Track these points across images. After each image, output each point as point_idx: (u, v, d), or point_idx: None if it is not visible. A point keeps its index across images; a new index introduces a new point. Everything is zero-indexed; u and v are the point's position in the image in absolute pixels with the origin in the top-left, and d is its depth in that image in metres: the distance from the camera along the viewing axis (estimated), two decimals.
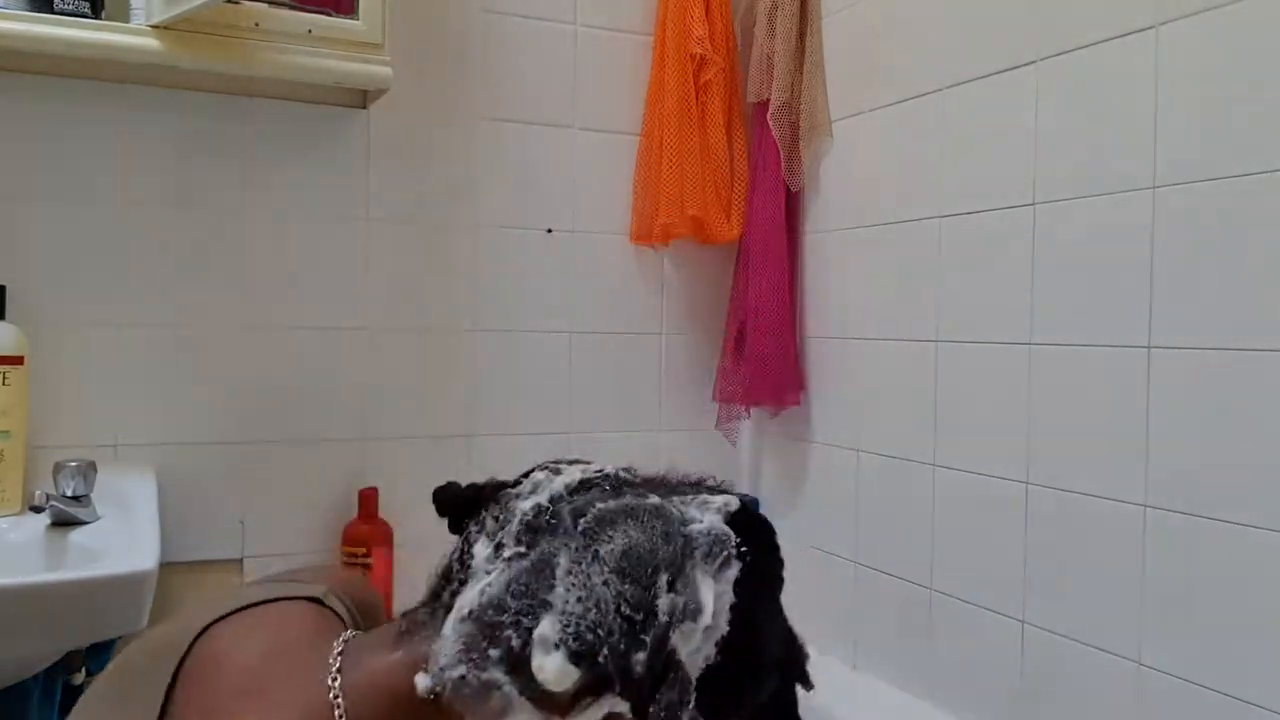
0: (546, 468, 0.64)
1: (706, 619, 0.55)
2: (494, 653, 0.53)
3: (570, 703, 0.53)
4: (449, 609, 0.57)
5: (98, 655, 1.21)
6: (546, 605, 0.53)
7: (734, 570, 0.58)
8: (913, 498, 1.41)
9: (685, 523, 0.58)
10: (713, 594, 0.56)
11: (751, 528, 0.62)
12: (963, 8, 1.35)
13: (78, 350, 1.36)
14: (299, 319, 1.48)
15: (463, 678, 0.54)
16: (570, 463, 0.64)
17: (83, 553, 1.07)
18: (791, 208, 1.66)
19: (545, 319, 1.64)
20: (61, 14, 1.23)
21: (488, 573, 0.57)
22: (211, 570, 1.42)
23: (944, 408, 1.38)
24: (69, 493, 1.13)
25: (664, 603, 0.54)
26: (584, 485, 0.61)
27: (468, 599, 0.56)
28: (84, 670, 1.17)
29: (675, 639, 0.54)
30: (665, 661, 0.53)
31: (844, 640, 1.56)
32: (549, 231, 1.65)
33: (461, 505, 0.64)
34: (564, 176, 1.66)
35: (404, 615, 0.61)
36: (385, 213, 1.54)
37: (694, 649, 0.55)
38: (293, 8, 1.34)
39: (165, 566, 1.11)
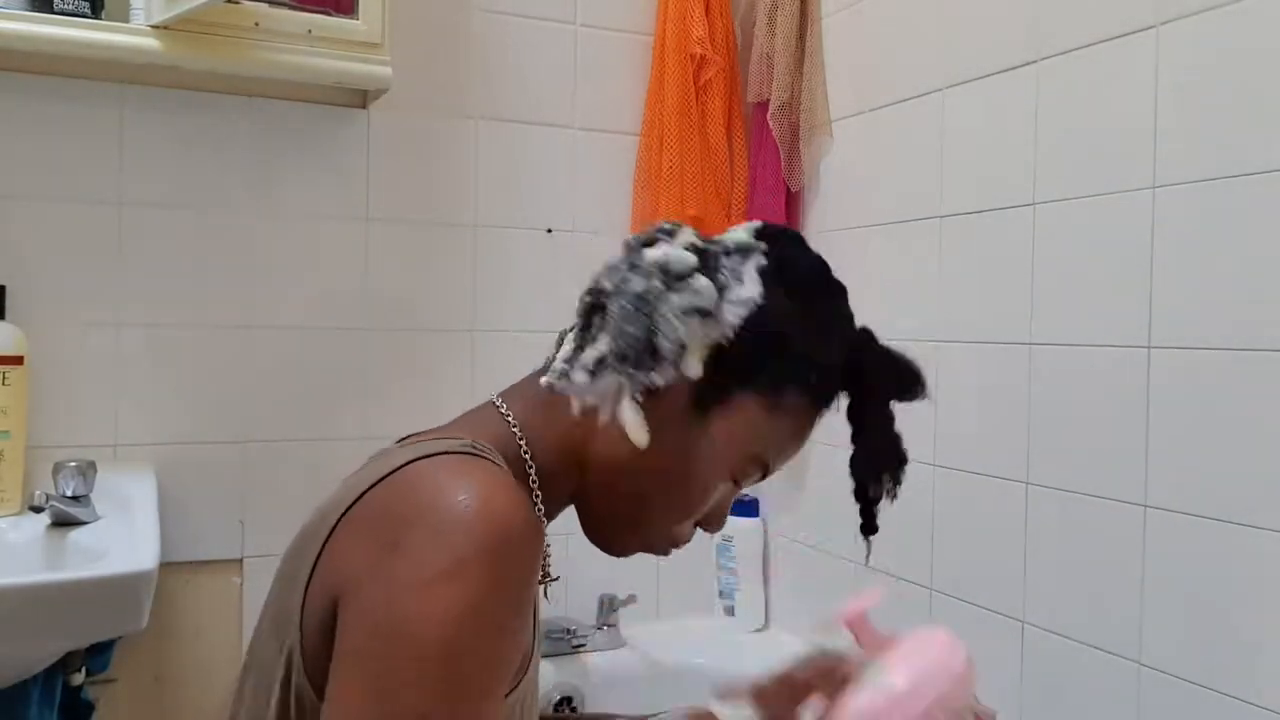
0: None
1: (710, 294, 0.69)
2: (582, 347, 0.71)
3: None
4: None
5: (98, 655, 1.21)
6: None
7: (754, 260, 0.72)
8: (914, 498, 1.41)
9: (712, 241, 0.74)
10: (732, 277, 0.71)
11: (773, 231, 0.75)
12: (963, 8, 1.35)
13: (78, 350, 1.36)
14: (299, 319, 1.48)
15: (564, 366, 0.72)
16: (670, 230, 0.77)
17: (83, 553, 1.07)
18: (791, 208, 1.66)
19: (545, 319, 1.64)
20: (61, 14, 1.23)
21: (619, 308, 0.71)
22: (211, 570, 1.42)
23: (944, 408, 1.37)
24: (69, 493, 1.13)
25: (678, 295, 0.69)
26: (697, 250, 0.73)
27: (569, 329, 0.75)
28: (84, 670, 1.17)
29: (677, 312, 0.69)
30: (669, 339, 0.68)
31: (844, 640, 1.56)
32: (549, 231, 1.65)
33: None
34: (564, 176, 1.66)
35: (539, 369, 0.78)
36: (385, 213, 1.54)
37: (707, 319, 0.69)
38: (293, 8, 1.34)
39: (165, 566, 1.11)
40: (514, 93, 1.62)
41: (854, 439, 0.78)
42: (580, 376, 0.70)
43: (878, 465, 0.78)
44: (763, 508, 1.76)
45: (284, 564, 0.70)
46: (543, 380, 0.73)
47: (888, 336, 0.91)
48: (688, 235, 0.74)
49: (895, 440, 0.77)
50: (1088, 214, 1.16)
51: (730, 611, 1.74)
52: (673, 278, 0.70)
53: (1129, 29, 1.12)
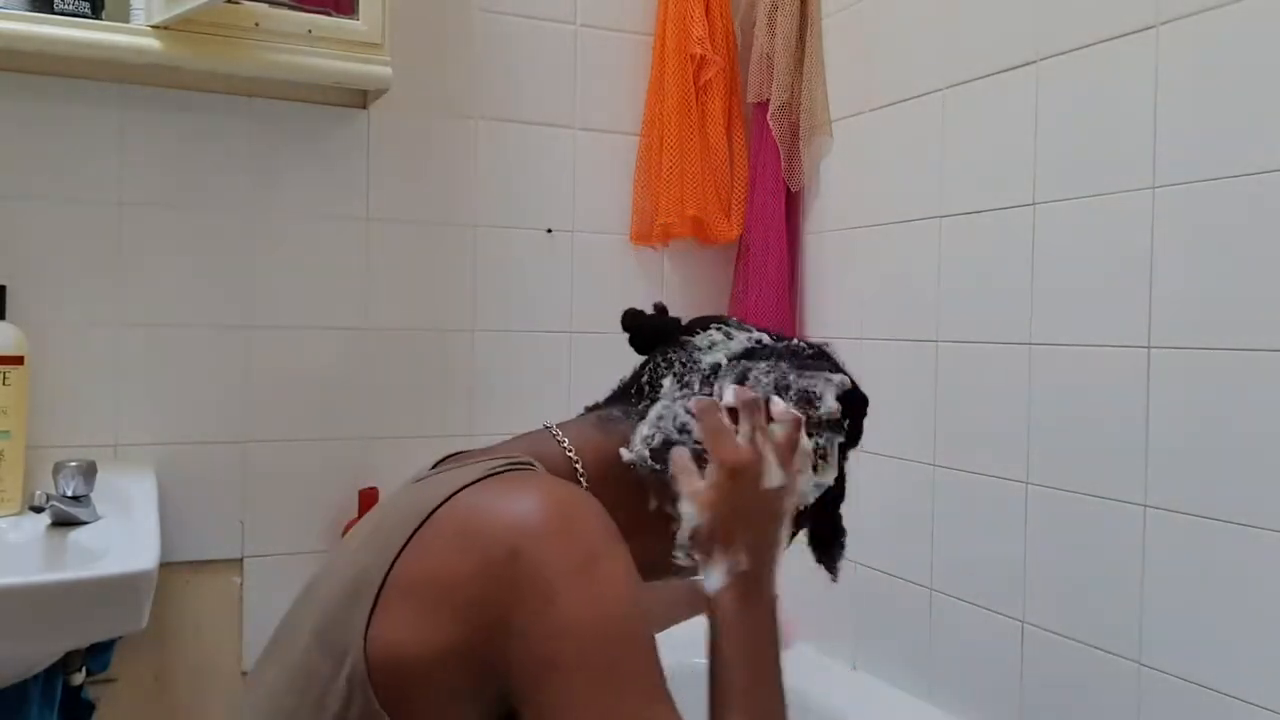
0: (718, 325, 0.83)
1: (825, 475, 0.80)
2: (675, 445, 0.75)
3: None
4: (642, 415, 0.78)
5: (98, 655, 1.21)
6: None
7: (838, 439, 0.80)
8: (913, 498, 1.41)
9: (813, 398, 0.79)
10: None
11: (856, 404, 0.81)
12: (963, 8, 1.35)
13: (78, 350, 1.36)
14: (299, 319, 1.48)
15: (652, 462, 0.75)
16: (738, 327, 0.84)
17: (83, 553, 1.07)
18: (791, 208, 1.66)
19: (545, 319, 1.64)
20: (61, 14, 1.23)
21: (674, 399, 0.78)
22: (211, 570, 1.42)
23: (944, 408, 1.37)
24: (69, 493, 1.13)
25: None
26: (748, 353, 0.80)
27: (657, 410, 0.78)
28: (84, 670, 1.17)
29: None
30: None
31: (844, 640, 1.56)
32: (549, 231, 1.65)
33: (650, 333, 0.85)
34: (564, 176, 1.66)
35: (591, 409, 0.83)
36: (385, 213, 1.54)
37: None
38: (293, 8, 1.34)
39: (165, 566, 1.11)
40: (514, 93, 1.62)
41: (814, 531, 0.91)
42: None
43: (835, 552, 0.93)
44: None
45: (338, 580, 0.68)
46: (624, 454, 0.77)
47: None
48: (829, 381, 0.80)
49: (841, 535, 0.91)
50: (1088, 214, 1.16)
51: None
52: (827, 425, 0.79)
53: (1129, 29, 1.12)
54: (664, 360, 0.82)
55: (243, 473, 1.45)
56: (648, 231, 1.68)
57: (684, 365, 0.80)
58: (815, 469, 0.78)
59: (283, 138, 1.46)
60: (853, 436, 0.82)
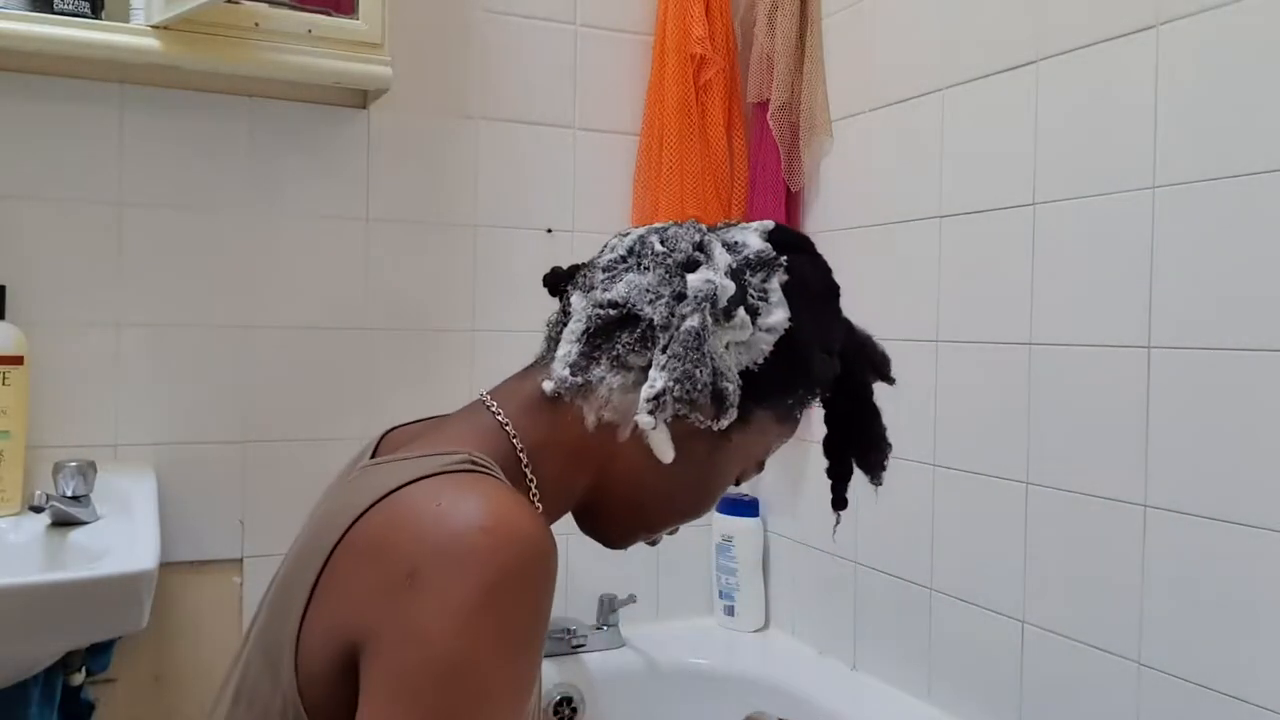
0: (615, 235, 0.80)
1: (745, 322, 0.71)
2: (594, 356, 0.72)
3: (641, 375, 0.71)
4: (558, 340, 0.74)
5: (98, 655, 1.21)
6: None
7: (777, 276, 0.74)
8: (913, 498, 1.41)
9: (735, 248, 0.75)
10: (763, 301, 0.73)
11: (790, 240, 0.77)
12: (963, 8, 1.35)
13: (78, 350, 1.36)
14: (299, 319, 1.48)
15: (572, 377, 0.72)
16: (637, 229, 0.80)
17: (83, 553, 1.07)
18: (791, 208, 1.66)
19: (545, 319, 1.64)
20: (61, 14, 1.23)
21: (583, 310, 0.74)
22: (211, 570, 1.42)
23: (944, 408, 1.37)
24: (69, 493, 1.13)
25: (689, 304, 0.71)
26: (641, 239, 0.76)
27: (569, 329, 0.74)
28: (84, 670, 1.17)
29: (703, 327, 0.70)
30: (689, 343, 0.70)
31: (844, 640, 1.56)
32: (549, 231, 1.65)
33: (561, 278, 0.81)
34: (564, 176, 1.66)
35: (529, 367, 0.79)
36: (385, 213, 1.54)
37: (742, 347, 0.72)
38: (293, 8, 1.34)
39: (165, 566, 1.11)
40: (514, 93, 1.62)
41: (842, 428, 0.84)
42: (612, 395, 0.71)
43: (874, 450, 0.83)
44: (762, 508, 1.76)
45: (276, 591, 0.68)
46: (546, 386, 0.73)
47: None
48: (720, 255, 0.74)
49: (881, 426, 0.83)
50: (1088, 214, 1.16)
51: (730, 611, 1.74)
52: (720, 312, 0.71)
53: (1129, 29, 1.12)
54: (570, 285, 0.78)
55: (243, 473, 1.45)
56: None
57: (585, 277, 0.77)
58: (755, 313, 0.72)
59: (283, 138, 1.46)
60: (799, 275, 0.75)
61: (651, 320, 0.71)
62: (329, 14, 1.36)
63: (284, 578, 0.67)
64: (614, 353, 0.71)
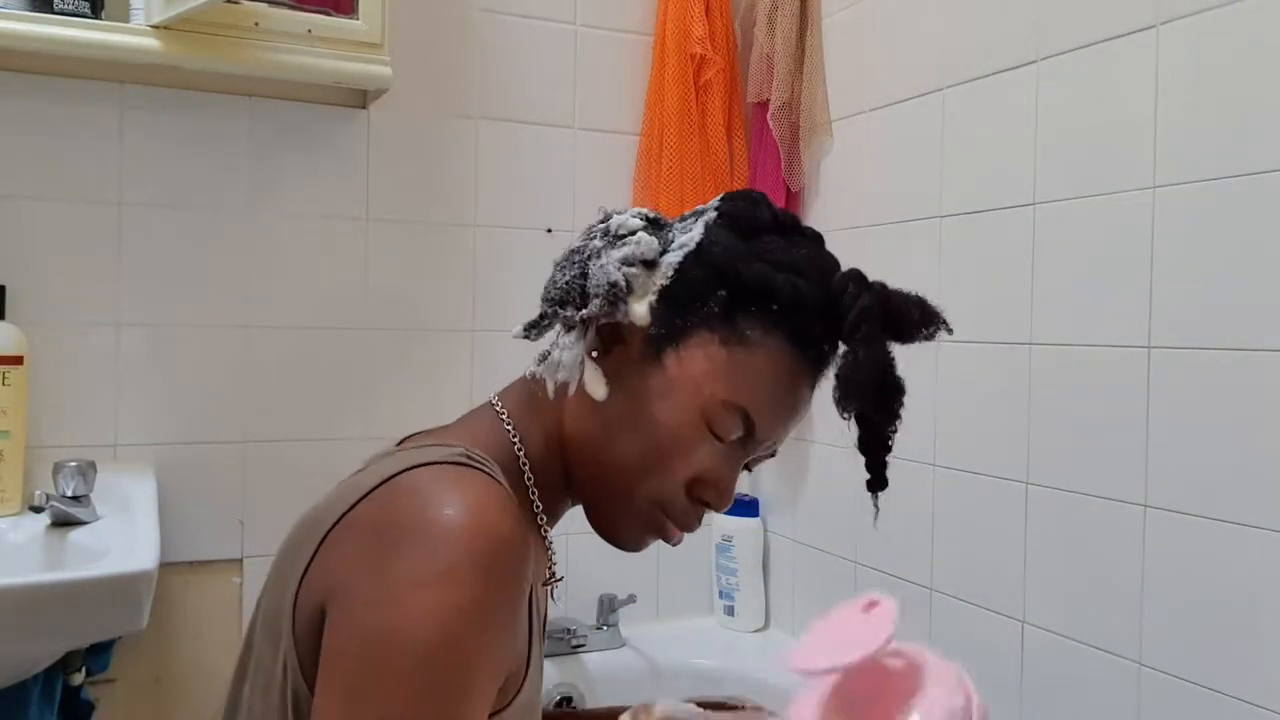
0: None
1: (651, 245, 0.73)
2: (550, 324, 0.75)
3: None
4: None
5: (98, 655, 1.21)
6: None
7: (706, 216, 0.75)
8: (913, 498, 1.41)
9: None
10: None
11: (736, 194, 0.78)
12: (963, 8, 1.35)
13: (78, 350, 1.36)
14: (299, 319, 1.48)
15: (531, 342, 0.76)
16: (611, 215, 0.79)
17: (83, 553, 1.07)
18: (791, 208, 1.66)
19: None
20: (61, 14, 1.23)
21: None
22: (211, 570, 1.42)
23: (944, 408, 1.37)
24: (69, 493, 1.13)
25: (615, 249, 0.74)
26: (606, 218, 0.77)
27: (542, 309, 0.76)
28: (84, 670, 1.17)
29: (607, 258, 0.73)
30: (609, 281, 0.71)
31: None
32: (549, 231, 1.65)
33: None
34: (564, 176, 1.66)
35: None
36: (385, 213, 1.54)
37: (650, 268, 0.73)
38: (293, 8, 1.34)
39: (165, 566, 1.11)
40: (514, 93, 1.62)
41: (855, 384, 0.70)
42: (560, 355, 0.74)
43: (864, 394, 0.70)
44: (762, 508, 1.76)
45: (277, 564, 0.70)
46: (528, 372, 0.77)
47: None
48: (646, 212, 0.77)
49: (887, 370, 0.71)
50: (1088, 214, 1.16)
51: (730, 611, 1.74)
52: (614, 237, 0.74)
53: (1129, 29, 1.12)
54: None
55: (243, 473, 1.45)
56: None
57: (559, 266, 0.78)
58: (669, 242, 0.74)
59: (283, 138, 1.46)
60: (733, 213, 0.74)
61: (586, 270, 0.73)
62: (329, 14, 1.36)
63: (283, 554, 0.69)
64: (563, 316, 0.74)
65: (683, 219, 0.78)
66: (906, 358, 0.78)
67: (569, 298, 0.73)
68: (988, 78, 1.30)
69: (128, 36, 1.26)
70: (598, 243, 0.75)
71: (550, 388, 0.75)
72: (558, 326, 0.75)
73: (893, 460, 0.82)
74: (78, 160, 1.36)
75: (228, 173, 1.44)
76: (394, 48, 1.40)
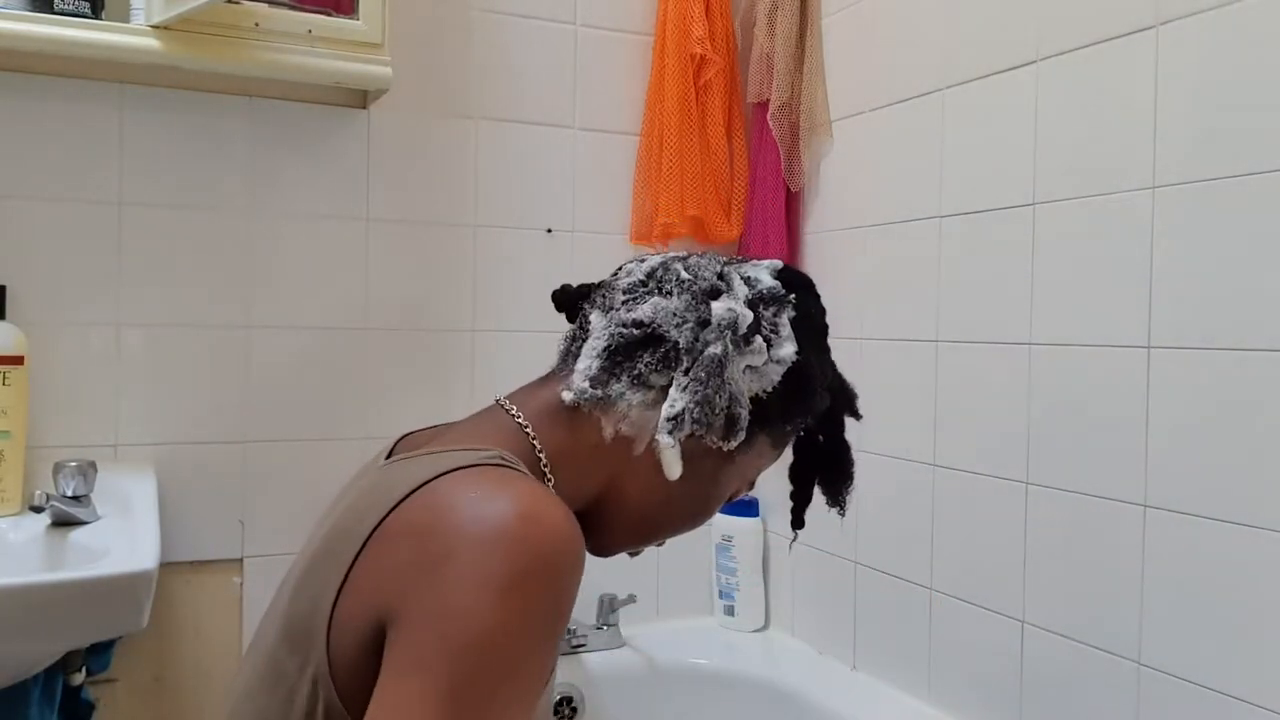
0: (632, 260, 0.83)
1: (761, 350, 0.77)
2: (614, 372, 0.75)
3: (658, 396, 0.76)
4: (577, 355, 0.78)
5: (98, 655, 1.21)
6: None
7: (786, 312, 0.79)
8: (913, 498, 1.41)
9: (751, 282, 0.80)
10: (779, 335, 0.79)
11: (796, 280, 0.82)
12: (963, 8, 1.35)
13: (78, 350, 1.36)
14: (299, 319, 1.48)
15: (593, 390, 0.75)
16: (655, 254, 0.84)
17: (83, 553, 1.07)
18: (791, 208, 1.66)
19: (545, 319, 1.63)
20: (61, 14, 1.23)
21: (604, 328, 0.78)
22: (211, 570, 1.42)
23: (944, 408, 1.38)
24: (69, 493, 1.13)
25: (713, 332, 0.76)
26: (664, 264, 0.80)
27: (589, 345, 0.78)
28: (84, 670, 1.17)
29: (727, 357, 0.75)
30: (712, 370, 0.74)
31: (844, 640, 1.56)
32: (549, 231, 1.65)
33: (574, 297, 0.85)
34: (564, 176, 1.66)
35: (545, 376, 0.82)
36: (385, 213, 1.54)
37: (755, 373, 0.77)
38: (293, 8, 1.34)
39: (165, 566, 1.11)
40: (514, 93, 1.62)
41: (813, 457, 0.90)
42: (630, 410, 0.75)
43: (843, 482, 0.90)
44: (762, 508, 1.76)
45: (301, 575, 0.69)
46: (565, 396, 0.76)
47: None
48: (739, 286, 0.79)
49: (851, 459, 0.90)
50: (1088, 214, 1.16)
51: (730, 611, 1.74)
52: (740, 339, 0.76)
53: (1129, 29, 1.12)
54: (588, 303, 0.83)
55: (243, 473, 1.45)
56: (648, 231, 1.68)
57: (605, 297, 0.81)
58: (769, 343, 0.78)
59: (283, 138, 1.46)
60: (805, 313, 0.81)
61: (677, 343, 0.75)
62: (329, 14, 1.36)
63: (309, 568, 0.68)
64: (635, 371, 0.75)
65: (763, 299, 0.79)
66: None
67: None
68: (988, 78, 1.30)
69: (128, 36, 1.26)
70: (730, 348, 0.75)
71: (608, 432, 0.76)
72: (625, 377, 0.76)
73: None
74: (78, 160, 1.36)
75: (228, 173, 1.44)
76: (394, 48, 1.40)
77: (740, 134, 1.71)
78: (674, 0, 1.64)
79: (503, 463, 0.69)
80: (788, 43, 1.61)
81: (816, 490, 0.91)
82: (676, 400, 0.74)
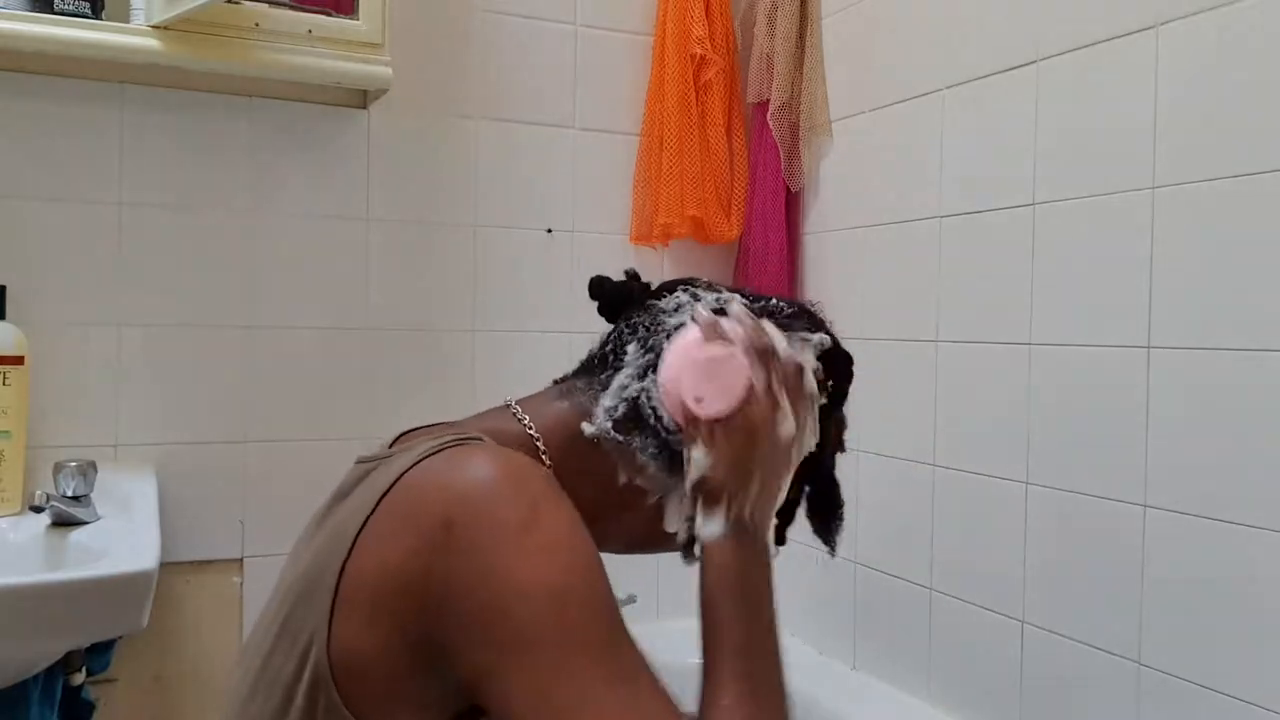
0: (685, 287, 0.79)
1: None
2: (639, 426, 0.72)
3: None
4: (605, 386, 0.74)
5: (98, 655, 1.21)
6: None
7: (820, 400, 0.75)
8: (913, 498, 1.41)
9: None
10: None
11: (838, 366, 0.79)
12: (963, 8, 1.35)
13: (78, 350, 1.36)
14: (299, 319, 1.48)
15: (615, 433, 0.72)
16: (706, 286, 0.79)
17: (83, 553, 1.07)
18: (791, 208, 1.66)
19: (545, 319, 1.64)
20: (61, 14, 1.23)
21: (638, 366, 0.74)
22: (211, 570, 1.42)
23: (944, 408, 1.38)
24: (69, 493, 1.13)
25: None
26: (716, 315, 0.73)
27: (620, 380, 0.73)
28: (84, 670, 1.17)
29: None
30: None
31: (844, 640, 1.56)
32: (549, 231, 1.65)
33: (615, 298, 0.81)
34: (564, 176, 1.66)
35: (558, 382, 0.79)
36: (385, 213, 1.54)
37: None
38: (293, 8, 1.34)
39: (165, 566, 1.11)
40: (514, 93, 1.62)
41: (805, 492, 0.83)
42: (649, 466, 0.73)
43: (834, 519, 0.83)
44: None
45: (294, 580, 0.68)
46: (585, 429, 0.73)
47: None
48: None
49: (841, 497, 0.84)
50: (1088, 214, 1.16)
51: None
52: None
53: (1129, 29, 1.12)
54: (629, 327, 0.77)
55: (243, 473, 1.45)
56: (648, 231, 1.68)
57: (648, 330, 0.76)
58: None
59: (283, 138, 1.46)
60: (837, 397, 0.78)
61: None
62: (329, 14, 1.36)
63: (303, 570, 0.67)
64: (660, 436, 0.72)
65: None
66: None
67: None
68: (988, 78, 1.30)
69: (128, 37, 1.26)
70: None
71: (621, 479, 0.74)
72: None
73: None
74: (78, 160, 1.36)
75: (228, 173, 1.44)
76: (394, 48, 1.40)
77: (740, 134, 1.71)
78: (674, 0, 1.64)
79: (476, 438, 0.68)
80: (788, 43, 1.61)
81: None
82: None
